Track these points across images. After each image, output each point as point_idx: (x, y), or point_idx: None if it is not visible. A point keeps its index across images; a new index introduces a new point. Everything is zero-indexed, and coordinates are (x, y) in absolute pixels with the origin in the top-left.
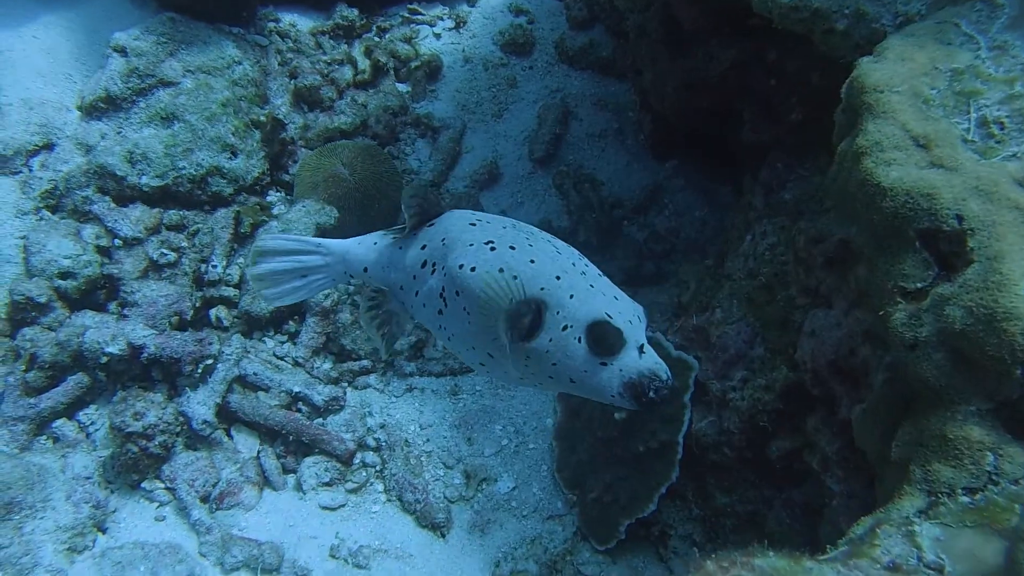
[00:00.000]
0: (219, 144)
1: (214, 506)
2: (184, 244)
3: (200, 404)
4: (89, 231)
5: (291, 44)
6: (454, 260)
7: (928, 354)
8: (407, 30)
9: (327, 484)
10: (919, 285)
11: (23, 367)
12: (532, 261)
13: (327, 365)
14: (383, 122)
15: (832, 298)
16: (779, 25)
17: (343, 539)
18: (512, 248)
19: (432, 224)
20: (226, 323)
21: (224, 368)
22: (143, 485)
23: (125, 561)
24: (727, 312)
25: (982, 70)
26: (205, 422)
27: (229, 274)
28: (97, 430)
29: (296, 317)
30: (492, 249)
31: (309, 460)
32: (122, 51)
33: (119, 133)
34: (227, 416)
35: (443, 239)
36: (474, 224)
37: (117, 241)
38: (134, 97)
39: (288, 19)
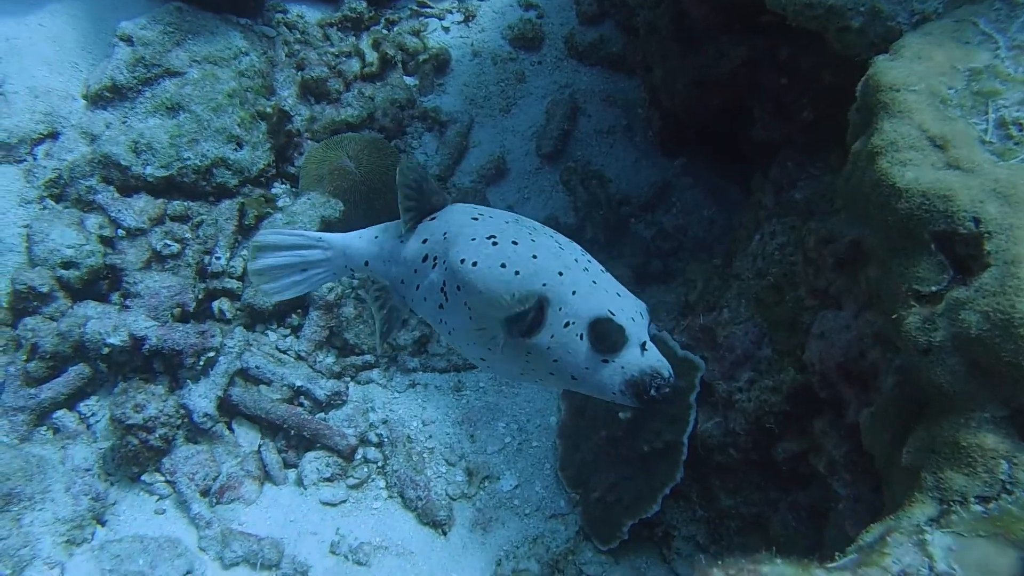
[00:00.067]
0: (225, 135)
1: (214, 500)
2: (188, 235)
3: (201, 397)
4: (93, 221)
5: (298, 35)
6: (456, 254)
7: (942, 359)
8: (416, 23)
9: (328, 479)
10: (934, 289)
11: (24, 357)
12: (535, 256)
13: (330, 359)
14: (390, 115)
15: (842, 300)
16: (792, 22)
17: (343, 535)
18: (514, 243)
19: (433, 218)
20: (229, 315)
21: (226, 361)
22: (143, 478)
23: (124, 554)
24: (735, 312)
25: (1001, 70)
26: (206, 415)
27: (232, 266)
28: (98, 421)
29: (299, 311)
30: (494, 244)
31: (310, 455)
32: (128, 40)
33: (124, 123)
34: (228, 409)
35: (445, 233)
36: (476, 218)
37: (120, 231)
38: (140, 87)
39: (296, 10)
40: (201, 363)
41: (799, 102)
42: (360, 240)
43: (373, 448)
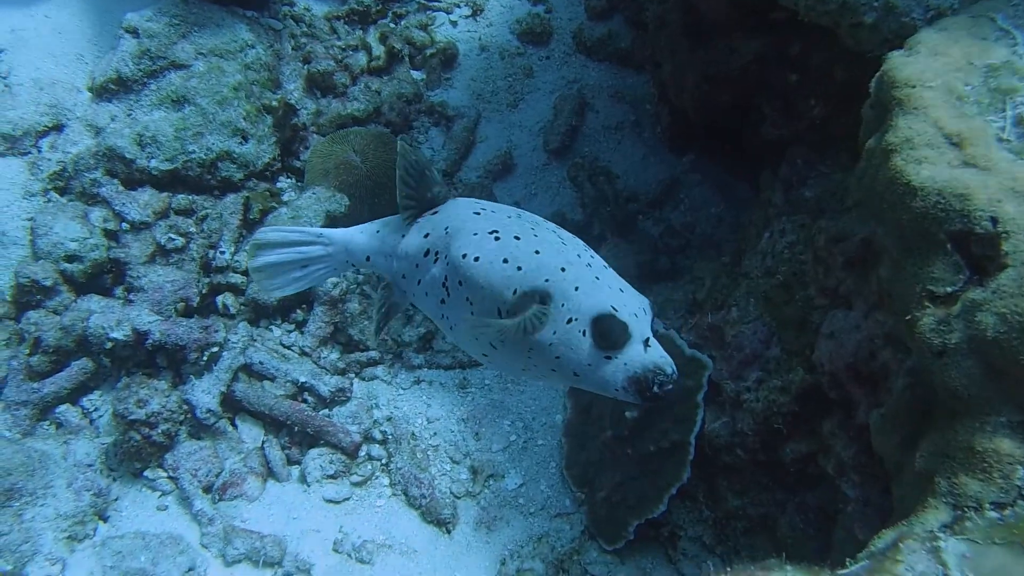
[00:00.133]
0: (230, 128)
1: (217, 497)
2: (192, 229)
3: (204, 392)
4: (97, 214)
5: (305, 28)
6: (457, 249)
7: (957, 362)
8: (423, 17)
9: (332, 477)
10: (949, 289)
11: (27, 351)
12: (537, 252)
13: (334, 355)
14: (397, 109)
15: (852, 299)
16: (804, 18)
17: (347, 533)
18: (517, 238)
19: (435, 212)
20: (233, 310)
21: (230, 356)
22: (146, 474)
23: (126, 551)
24: (743, 311)
25: (1019, 66)
26: (209, 411)
27: (237, 261)
28: (101, 416)
29: (304, 306)
30: (496, 239)
31: (314, 452)
32: (134, 32)
33: (129, 115)
34: (232, 405)
35: (447, 227)
36: (478, 213)
37: (125, 225)
38: (145, 79)
39: (303, 3)
40: (205, 358)
41: (809, 99)
42: (362, 235)
43: (377, 445)
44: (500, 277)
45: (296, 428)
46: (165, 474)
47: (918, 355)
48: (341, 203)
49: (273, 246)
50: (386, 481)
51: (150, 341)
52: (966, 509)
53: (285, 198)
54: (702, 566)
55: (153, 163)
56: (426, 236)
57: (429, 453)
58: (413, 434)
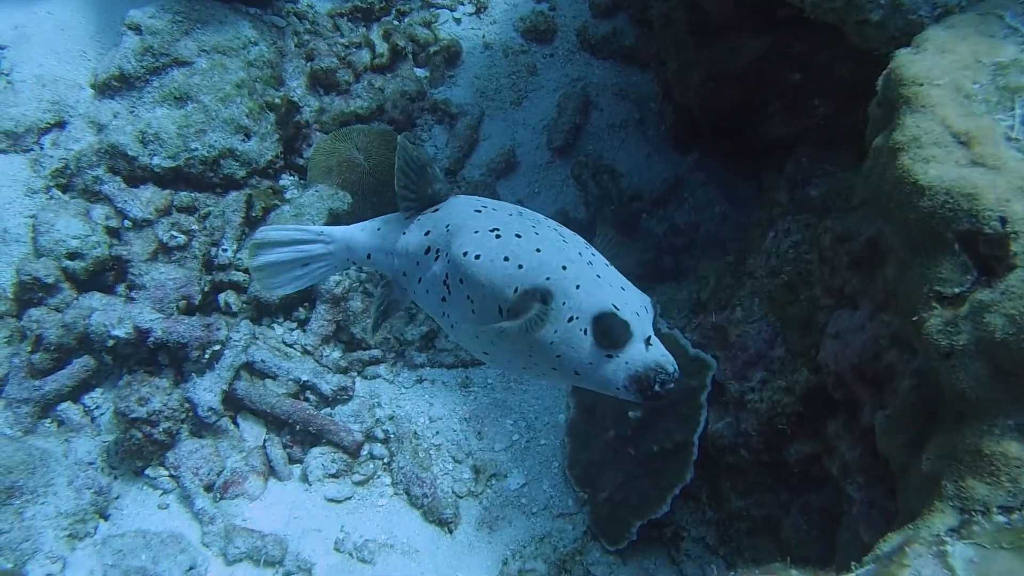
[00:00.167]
0: (232, 126)
1: (218, 495)
2: (195, 227)
3: (206, 391)
4: (99, 211)
5: (308, 25)
6: (458, 247)
7: (965, 363)
8: (427, 14)
9: (333, 476)
10: (956, 290)
11: (29, 348)
12: (538, 250)
13: (336, 354)
14: (400, 107)
15: (858, 299)
16: (810, 15)
17: (348, 532)
18: (518, 236)
19: (436, 209)
20: (235, 308)
21: (231, 354)
22: (147, 472)
23: (126, 549)
24: (747, 311)
25: None
26: (211, 409)
27: (239, 258)
28: (102, 414)
29: (306, 304)
30: (497, 237)
31: (316, 451)
32: (137, 29)
33: (132, 112)
34: (233, 403)
35: (447, 225)
36: (479, 211)
37: (127, 222)
38: (148, 76)
39: (306, 0)
40: (206, 356)
41: (815, 97)
42: (362, 233)
43: (379, 444)
44: (501, 275)
45: (298, 427)
46: (166, 472)
47: (925, 356)
48: (344, 201)
49: (273, 245)
50: (388, 480)
51: (152, 339)
52: (973, 513)
53: (288, 196)
54: (705, 568)
55: (155, 160)
56: (427, 234)
57: (431, 452)
58: (415, 433)
